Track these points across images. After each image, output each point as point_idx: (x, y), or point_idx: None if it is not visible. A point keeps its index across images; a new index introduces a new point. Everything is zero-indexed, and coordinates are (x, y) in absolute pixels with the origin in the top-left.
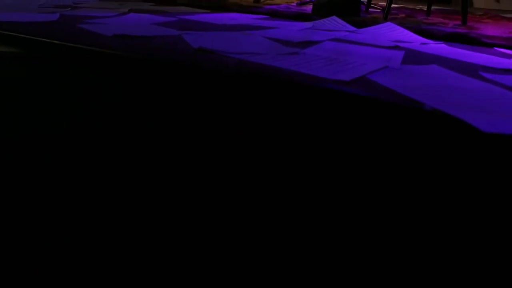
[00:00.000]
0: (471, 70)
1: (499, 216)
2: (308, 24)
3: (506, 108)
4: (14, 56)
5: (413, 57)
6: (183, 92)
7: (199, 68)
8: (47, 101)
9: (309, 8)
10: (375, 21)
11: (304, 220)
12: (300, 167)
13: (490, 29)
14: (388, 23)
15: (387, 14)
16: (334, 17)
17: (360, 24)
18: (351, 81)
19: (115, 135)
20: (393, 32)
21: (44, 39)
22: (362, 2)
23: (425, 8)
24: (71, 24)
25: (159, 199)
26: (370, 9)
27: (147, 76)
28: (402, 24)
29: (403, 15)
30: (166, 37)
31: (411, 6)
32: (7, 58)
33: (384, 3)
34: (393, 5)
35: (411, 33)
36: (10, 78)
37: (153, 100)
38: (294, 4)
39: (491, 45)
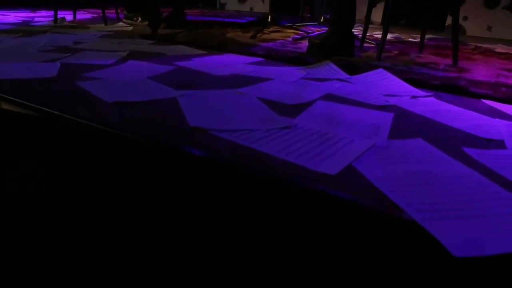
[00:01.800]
0: (454, 143)
1: None
2: (302, 72)
3: (478, 213)
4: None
5: (400, 124)
6: (173, 173)
7: (191, 155)
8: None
9: (304, 44)
10: (368, 64)
11: None
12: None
13: (480, 70)
14: (380, 69)
15: (380, 53)
16: (327, 61)
17: (353, 68)
18: (337, 174)
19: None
20: (384, 80)
21: (42, 108)
22: (357, 37)
23: (418, 36)
24: (70, 83)
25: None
26: (364, 44)
27: (147, 160)
28: (394, 65)
29: (396, 52)
30: (163, 102)
31: (404, 36)
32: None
33: (379, 35)
34: (388, 36)
35: (401, 82)
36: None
37: (145, 181)
38: (290, 39)
39: (479, 97)
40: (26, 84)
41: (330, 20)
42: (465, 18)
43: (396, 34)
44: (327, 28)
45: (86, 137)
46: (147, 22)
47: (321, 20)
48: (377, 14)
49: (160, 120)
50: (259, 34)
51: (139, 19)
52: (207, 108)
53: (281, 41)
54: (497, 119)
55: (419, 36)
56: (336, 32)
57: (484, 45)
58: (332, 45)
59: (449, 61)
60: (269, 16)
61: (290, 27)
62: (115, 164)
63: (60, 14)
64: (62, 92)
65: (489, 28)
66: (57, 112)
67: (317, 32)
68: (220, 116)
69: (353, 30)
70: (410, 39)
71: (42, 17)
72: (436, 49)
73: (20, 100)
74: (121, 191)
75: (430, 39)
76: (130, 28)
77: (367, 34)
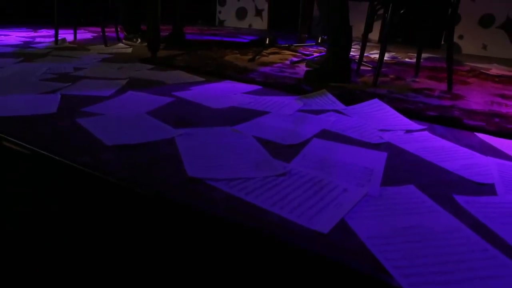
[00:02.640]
0: (445, 189)
1: None
2: (299, 103)
3: (465, 275)
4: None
5: (394, 167)
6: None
7: (187, 208)
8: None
9: (302, 68)
10: (364, 91)
11: None
12: None
13: (474, 97)
14: (375, 100)
15: (376, 79)
16: (324, 91)
17: (350, 97)
18: (328, 232)
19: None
20: (379, 111)
21: (42, 152)
22: (354, 60)
23: (415, 55)
24: (70, 120)
25: None
26: (361, 67)
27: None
28: (390, 93)
29: (392, 76)
30: (162, 144)
31: (401, 56)
32: None
33: (376, 55)
34: (385, 55)
35: (396, 114)
36: None
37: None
38: (288, 62)
39: (472, 129)
40: (26, 121)
41: (327, 42)
42: (461, 37)
43: (393, 53)
44: (324, 48)
45: (85, 184)
46: (146, 43)
47: (319, 41)
48: (374, 32)
49: (158, 167)
50: (257, 57)
51: (139, 40)
52: (205, 152)
53: (279, 64)
54: (489, 157)
55: (416, 54)
56: (333, 58)
57: (480, 65)
58: (328, 72)
59: (444, 86)
60: (267, 39)
61: (288, 48)
62: (112, 213)
63: (61, 33)
64: (63, 132)
65: (484, 47)
66: (57, 158)
67: (315, 55)
68: (217, 161)
69: (350, 48)
70: (407, 59)
71: (43, 37)
72: (432, 71)
73: (20, 142)
74: (113, 240)
75: (426, 58)
76: (130, 49)
77: (364, 54)
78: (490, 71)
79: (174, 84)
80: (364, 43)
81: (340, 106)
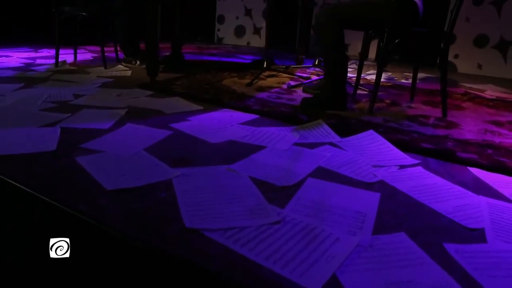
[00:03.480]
0: (436, 236)
1: None
2: (295, 135)
3: None
4: None
5: (386, 211)
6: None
7: (182, 262)
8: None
9: (299, 93)
10: (359, 120)
11: None
12: None
13: (468, 125)
14: (371, 131)
15: (372, 106)
16: (320, 121)
17: (345, 128)
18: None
19: None
20: (374, 144)
21: (40, 196)
22: (350, 84)
23: (411, 75)
24: (69, 158)
25: None
26: (358, 91)
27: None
28: (385, 121)
29: (388, 102)
30: (160, 187)
31: (397, 76)
32: None
33: (373, 75)
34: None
35: (391, 146)
36: None
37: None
38: (285, 86)
39: (465, 163)
40: (25, 160)
41: (323, 69)
42: (456, 56)
43: (389, 73)
44: (321, 70)
45: (82, 230)
46: (145, 66)
47: (315, 63)
48: (371, 50)
49: (155, 214)
50: (255, 81)
51: (138, 62)
52: (201, 197)
53: (276, 89)
54: (480, 196)
55: (411, 74)
56: (329, 86)
57: (475, 86)
58: (325, 100)
59: (439, 112)
60: (265, 62)
61: (286, 70)
62: (107, 264)
63: (61, 53)
64: (62, 172)
65: (479, 66)
66: (56, 203)
67: (313, 78)
68: (214, 209)
69: (346, 77)
70: (403, 81)
71: (44, 57)
72: (427, 95)
73: (18, 185)
74: None
75: (422, 79)
76: (129, 72)
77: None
78: (485, 93)
79: (173, 113)
80: (361, 66)
81: (335, 138)
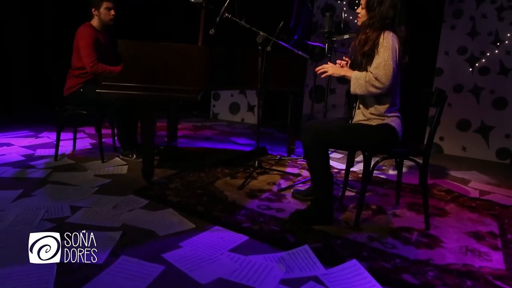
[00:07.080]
0: None
1: None
2: (282, 269)
3: None
4: None
5: None
6: None
7: None
8: None
9: (288, 201)
10: (344, 242)
11: None
12: None
13: (450, 239)
14: (354, 262)
15: (358, 219)
16: (306, 247)
17: (330, 255)
18: None
19: None
20: (355, 277)
21: None
22: (338, 184)
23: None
24: None
25: None
26: (346, 193)
27: None
28: (369, 240)
29: (374, 208)
30: None
31: (385, 163)
32: None
33: (361, 165)
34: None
35: (373, 281)
36: None
37: None
38: (275, 189)
39: None
40: None
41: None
42: (442, 138)
43: (377, 158)
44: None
45: None
46: (141, 159)
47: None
48: None
49: None
50: (247, 181)
51: (134, 156)
52: None
53: (266, 194)
54: None
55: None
56: (316, 203)
57: (459, 175)
58: (311, 216)
59: (422, 221)
60: (256, 161)
61: (278, 161)
62: None
63: (61, 137)
64: None
65: (463, 148)
66: None
67: (303, 175)
68: None
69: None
70: (390, 172)
71: (44, 146)
72: (412, 195)
73: None
74: None
75: (410, 168)
76: (125, 168)
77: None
78: (469, 185)
79: (165, 236)
80: (347, 174)
81: (320, 270)
